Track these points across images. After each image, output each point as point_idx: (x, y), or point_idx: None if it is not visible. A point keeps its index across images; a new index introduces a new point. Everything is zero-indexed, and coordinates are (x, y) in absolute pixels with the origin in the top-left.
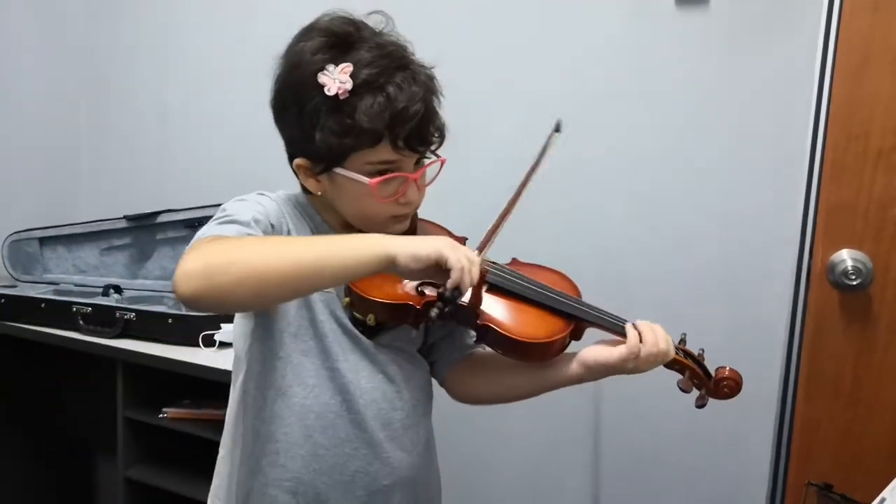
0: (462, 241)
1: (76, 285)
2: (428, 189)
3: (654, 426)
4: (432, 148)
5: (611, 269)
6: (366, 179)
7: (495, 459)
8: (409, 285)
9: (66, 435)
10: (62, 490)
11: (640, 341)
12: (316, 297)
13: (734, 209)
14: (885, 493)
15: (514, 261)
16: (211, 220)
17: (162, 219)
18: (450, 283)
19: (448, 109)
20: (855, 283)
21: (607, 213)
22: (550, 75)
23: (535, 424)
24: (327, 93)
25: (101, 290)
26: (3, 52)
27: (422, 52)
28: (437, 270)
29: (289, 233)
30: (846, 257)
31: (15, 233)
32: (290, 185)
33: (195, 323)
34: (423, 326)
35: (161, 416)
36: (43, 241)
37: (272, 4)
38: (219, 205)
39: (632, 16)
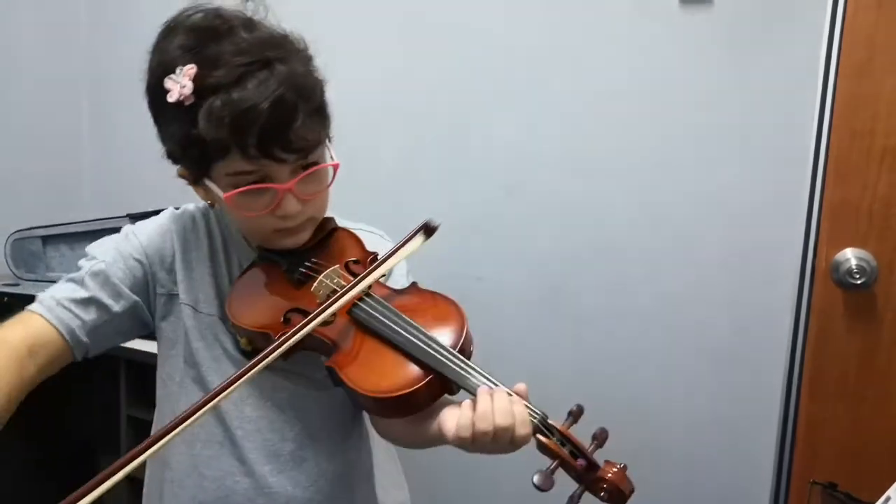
0: (372, 258)
1: None
2: (429, 186)
3: (656, 425)
4: (302, 155)
5: (613, 268)
6: (220, 193)
7: (493, 465)
8: (277, 309)
9: (69, 434)
10: (65, 489)
11: (474, 411)
12: (191, 323)
13: (738, 208)
14: (890, 492)
15: (413, 285)
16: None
17: None
18: None
19: (448, 110)
20: (859, 282)
21: (610, 212)
22: (553, 74)
23: None
24: (169, 99)
25: None
26: (5, 50)
27: (422, 53)
28: None
29: (172, 257)
30: (850, 256)
31: (18, 231)
32: None
33: None
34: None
35: None
36: (46, 239)
37: (271, 6)
38: None
39: (635, 14)
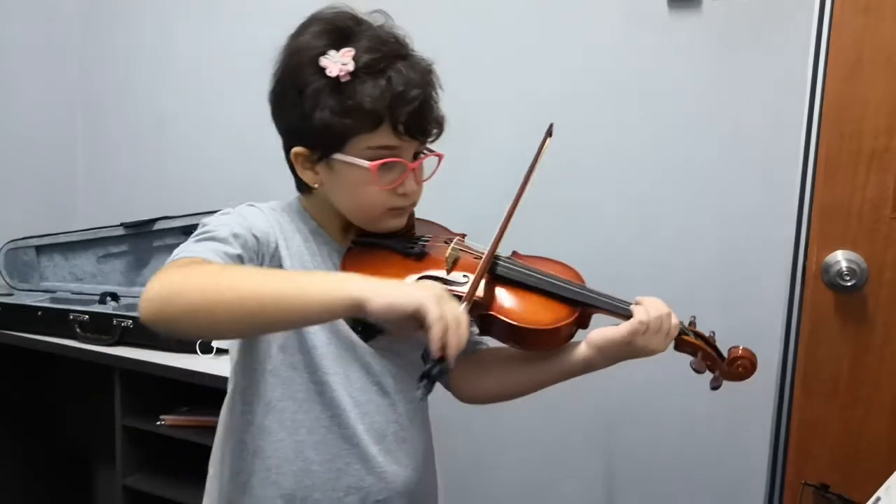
0: (461, 237)
1: (73, 293)
2: (428, 187)
3: (651, 428)
4: (431, 139)
5: (606, 270)
6: (366, 163)
7: (494, 462)
8: (411, 277)
9: (64, 444)
10: (60, 499)
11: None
12: None
13: (728, 210)
14: (879, 492)
15: (515, 253)
16: (192, 235)
17: (159, 226)
18: (433, 348)
19: (446, 111)
20: (849, 283)
21: (602, 214)
22: (545, 77)
23: (534, 428)
24: (328, 74)
25: (98, 297)
26: None
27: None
28: (416, 325)
29: (276, 244)
30: (840, 258)
31: (11, 241)
32: (287, 190)
33: None
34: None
35: (159, 423)
36: (40, 249)
37: (268, 11)
38: (216, 212)
39: (625, 18)
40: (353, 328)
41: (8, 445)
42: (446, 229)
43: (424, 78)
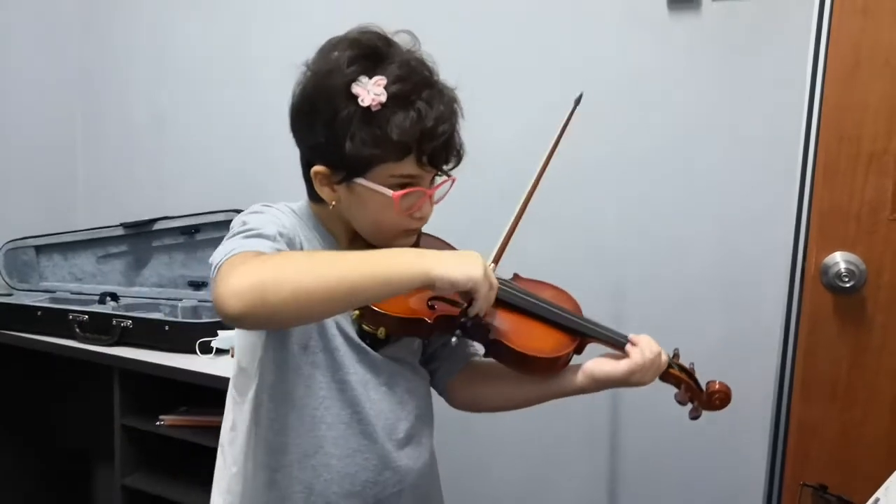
0: None
1: (72, 293)
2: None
3: (649, 430)
4: (450, 168)
5: (606, 273)
6: (389, 192)
7: (493, 465)
8: (418, 298)
9: (63, 443)
10: (60, 498)
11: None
12: None
13: (727, 213)
14: (878, 493)
15: (517, 276)
16: (230, 234)
17: (158, 226)
18: (471, 311)
19: None
20: (848, 285)
21: (601, 217)
22: (544, 81)
23: (533, 431)
24: (361, 103)
25: (97, 297)
26: None
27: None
28: (464, 293)
29: (301, 245)
30: (839, 260)
31: (11, 241)
32: (286, 190)
33: (192, 330)
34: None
35: (158, 423)
36: (39, 249)
37: (267, 13)
38: (215, 212)
39: (624, 21)
40: (362, 339)
41: (7, 445)
42: (450, 246)
43: (451, 109)
